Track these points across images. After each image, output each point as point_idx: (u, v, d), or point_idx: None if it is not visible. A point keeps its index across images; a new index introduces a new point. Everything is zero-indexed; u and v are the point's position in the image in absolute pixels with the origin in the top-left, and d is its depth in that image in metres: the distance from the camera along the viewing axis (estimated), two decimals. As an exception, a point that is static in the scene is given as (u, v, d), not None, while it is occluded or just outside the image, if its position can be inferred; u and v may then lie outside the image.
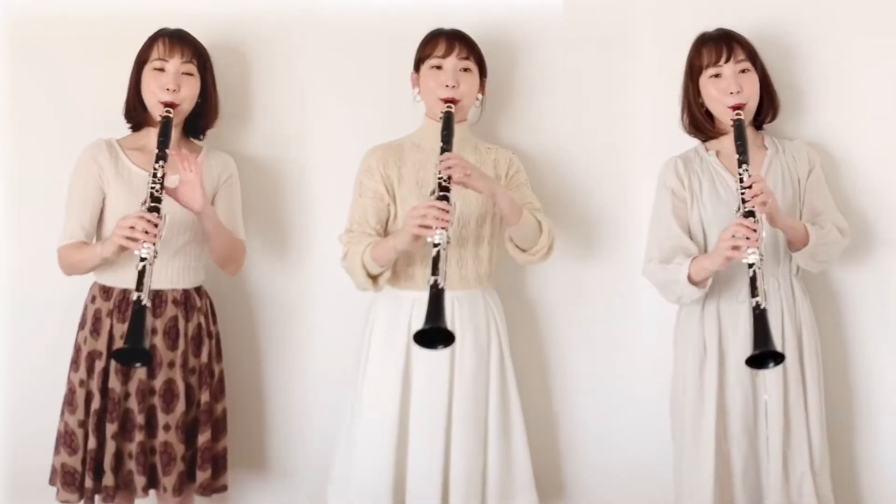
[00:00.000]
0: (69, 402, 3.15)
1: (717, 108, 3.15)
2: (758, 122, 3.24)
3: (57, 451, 3.15)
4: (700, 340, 3.13)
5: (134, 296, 2.83)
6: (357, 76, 3.49)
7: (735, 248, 2.88)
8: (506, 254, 3.19)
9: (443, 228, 2.84)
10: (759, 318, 2.79)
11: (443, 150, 2.95)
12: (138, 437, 3.11)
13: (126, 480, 3.13)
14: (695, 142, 3.28)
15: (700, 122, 3.21)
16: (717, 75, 3.13)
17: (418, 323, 2.99)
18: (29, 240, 3.47)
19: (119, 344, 3.10)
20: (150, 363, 3.01)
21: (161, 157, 2.99)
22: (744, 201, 2.92)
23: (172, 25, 3.24)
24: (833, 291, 3.39)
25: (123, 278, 3.10)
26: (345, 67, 3.49)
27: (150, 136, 3.18)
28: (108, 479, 3.09)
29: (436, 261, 2.80)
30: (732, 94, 3.09)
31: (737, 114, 3.06)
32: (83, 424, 3.12)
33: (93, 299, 3.18)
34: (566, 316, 3.50)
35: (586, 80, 3.47)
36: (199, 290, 3.27)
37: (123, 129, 3.29)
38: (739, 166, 2.97)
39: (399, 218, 3.13)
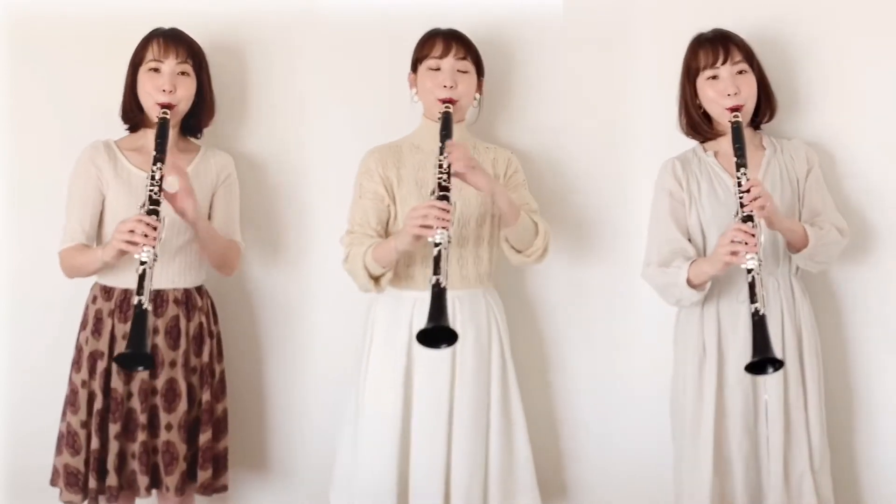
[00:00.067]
0: (71, 402, 3.16)
1: (714, 109, 3.15)
2: (755, 123, 3.24)
3: (59, 452, 3.16)
4: (700, 340, 3.14)
5: (135, 300, 2.83)
6: (357, 76, 3.50)
7: (734, 253, 2.88)
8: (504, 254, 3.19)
9: (443, 228, 2.83)
10: (759, 325, 2.80)
11: (441, 151, 2.94)
12: (141, 436, 3.11)
13: (129, 480, 3.14)
14: (694, 142, 3.27)
15: (697, 123, 3.22)
16: (714, 77, 3.14)
17: (419, 322, 3.00)
18: (29, 240, 3.48)
19: (120, 344, 3.12)
20: (153, 367, 3.01)
21: (159, 159, 3.00)
22: (742, 205, 2.92)
23: (172, 25, 3.24)
24: (833, 291, 3.39)
25: (124, 278, 3.11)
26: (344, 67, 3.50)
27: (148, 136, 3.19)
28: (112, 479, 3.10)
29: (437, 260, 2.80)
30: (730, 96, 3.10)
31: (735, 116, 3.07)
32: (86, 425, 3.13)
33: (94, 299, 3.19)
34: (566, 316, 3.50)
35: (586, 80, 3.47)
36: (199, 289, 3.28)
37: (123, 129, 3.29)
38: (738, 169, 2.97)
39: (399, 218, 3.14)
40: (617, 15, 3.46)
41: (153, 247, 2.89)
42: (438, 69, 3.15)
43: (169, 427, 3.14)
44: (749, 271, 2.86)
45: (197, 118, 3.28)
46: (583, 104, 3.47)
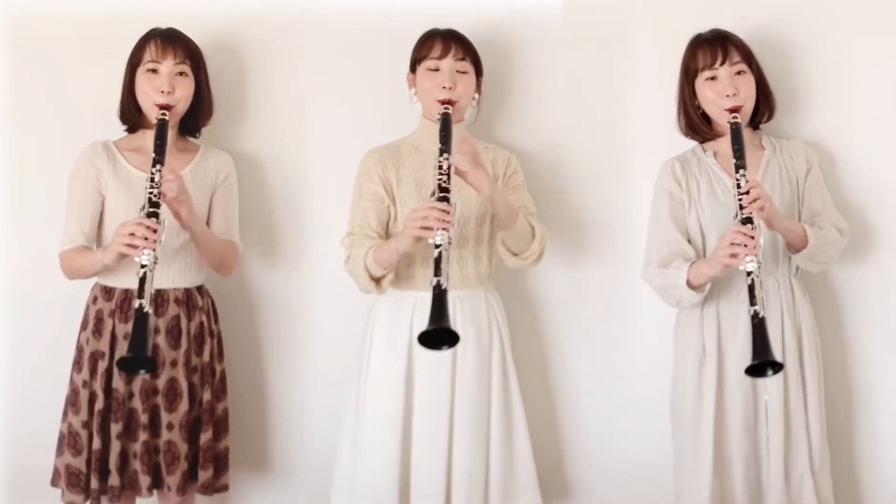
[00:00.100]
0: (72, 403, 3.16)
1: (713, 110, 3.15)
2: (754, 123, 3.24)
3: (60, 453, 3.17)
4: (699, 341, 3.14)
5: (136, 303, 2.84)
6: (357, 76, 3.50)
7: (733, 255, 2.89)
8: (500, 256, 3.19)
9: (444, 229, 2.83)
10: (758, 327, 2.80)
11: (441, 151, 2.94)
12: (142, 436, 3.12)
13: (131, 480, 3.14)
14: (694, 142, 3.27)
15: (696, 124, 3.22)
16: (712, 78, 3.14)
17: (420, 323, 3.01)
18: (29, 240, 3.48)
19: (121, 344, 3.12)
20: (154, 370, 3.01)
21: (158, 161, 3.00)
22: (741, 207, 2.93)
23: (172, 25, 3.24)
24: (833, 291, 3.40)
25: (125, 279, 3.12)
26: (344, 67, 3.50)
27: (147, 137, 3.20)
28: (114, 480, 3.11)
29: (438, 262, 2.80)
30: (729, 97, 3.10)
31: (733, 117, 3.07)
32: (87, 425, 3.14)
33: (94, 300, 3.19)
34: (566, 316, 3.50)
35: (586, 80, 3.47)
36: (200, 288, 3.28)
37: (122, 129, 3.29)
38: (737, 171, 2.98)
39: (399, 219, 3.14)
40: (617, 15, 3.46)
41: (153, 250, 2.90)
42: (437, 70, 3.15)
43: (170, 427, 3.14)
44: (748, 274, 2.86)
45: (195, 118, 3.28)
46: (583, 104, 3.47)
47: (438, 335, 2.76)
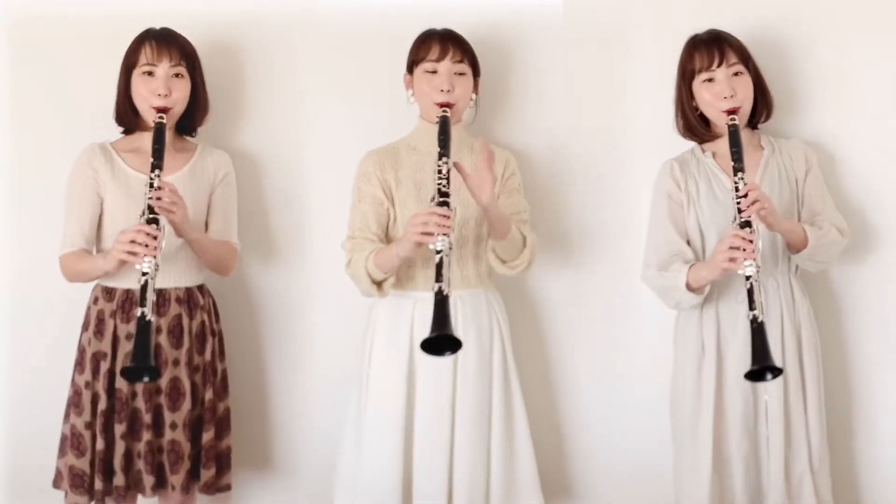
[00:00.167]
0: (75, 404, 3.16)
1: (711, 112, 3.16)
2: (753, 123, 3.24)
3: (62, 454, 3.17)
4: (699, 341, 3.15)
5: (138, 311, 2.85)
6: (356, 76, 3.50)
7: (732, 259, 2.90)
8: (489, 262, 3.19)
9: (444, 235, 2.84)
10: (757, 332, 2.81)
11: (440, 155, 2.94)
12: (146, 436, 3.13)
13: (135, 480, 3.15)
14: (693, 142, 3.27)
15: (694, 125, 3.23)
16: (710, 80, 3.14)
17: (420, 323, 3.03)
18: (29, 240, 3.49)
19: (123, 344, 3.14)
20: (157, 378, 3.02)
21: (157, 166, 3.00)
22: (740, 211, 2.93)
23: (172, 26, 3.24)
24: (832, 291, 3.41)
25: (126, 279, 3.13)
26: (344, 67, 3.51)
27: (144, 138, 3.20)
28: (119, 480, 3.11)
29: (439, 267, 2.81)
30: (726, 99, 3.10)
31: (731, 119, 3.08)
32: (90, 426, 3.14)
33: (95, 300, 3.20)
34: (566, 316, 3.51)
35: (586, 80, 3.48)
36: (201, 288, 3.29)
37: (119, 130, 3.30)
38: (735, 174, 2.98)
39: (398, 221, 3.15)
40: (617, 15, 3.46)
41: (154, 257, 2.90)
42: (435, 72, 3.14)
43: (174, 426, 3.15)
44: (747, 278, 2.87)
45: (192, 118, 3.28)
46: (583, 104, 3.48)
47: (441, 341, 2.76)
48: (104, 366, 3.14)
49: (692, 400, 3.14)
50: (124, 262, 2.97)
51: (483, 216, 3.17)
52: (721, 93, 3.11)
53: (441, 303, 2.75)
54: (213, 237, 3.26)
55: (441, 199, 2.89)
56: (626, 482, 3.48)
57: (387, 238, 3.17)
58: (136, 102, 3.19)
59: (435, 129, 3.07)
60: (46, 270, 3.27)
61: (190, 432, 3.17)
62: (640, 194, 3.32)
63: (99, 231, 3.20)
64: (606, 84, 3.48)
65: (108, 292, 3.18)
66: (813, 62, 3.39)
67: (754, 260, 2.88)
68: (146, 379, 2.88)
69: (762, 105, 3.23)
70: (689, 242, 3.17)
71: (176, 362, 3.17)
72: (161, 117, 3.10)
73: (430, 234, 2.86)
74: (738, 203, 2.94)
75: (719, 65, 3.13)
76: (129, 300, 3.15)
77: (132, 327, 3.06)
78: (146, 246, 2.91)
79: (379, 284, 3.10)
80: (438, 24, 3.24)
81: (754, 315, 2.83)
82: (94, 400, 3.14)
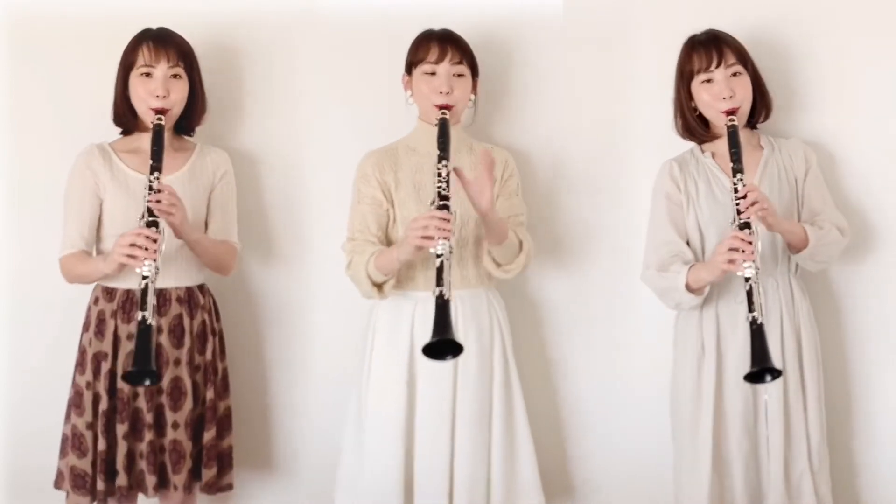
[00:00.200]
0: (76, 404, 3.17)
1: (710, 113, 3.17)
2: (752, 122, 3.24)
3: (64, 455, 3.17)
4: (698, 341, 3.15)
5: (139, 315, 2.85)
6: (356, 76, 3.51)
7: (731, 261, 2.90)
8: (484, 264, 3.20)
9: (445, 238, 2.84)
10: (757, 333, 2.82)
11: (440, 158, 2.94)
12: (148, 436, 3.13)
13: (138, 480, 3.15)
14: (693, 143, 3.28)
15: (693, 126, 3.23)
16: (708, 80, 3.14)
17: (421, 323, 3.05)
18: (29, 240, 3.49)
19: (125, 344, 3.14)
20: (158, 382, 3.02)
21: (156, 168, 3.01)
22: (739, 212, 2.93)
23: (172, 26, 3.24)
24: (832, 291, 3.41)
25: (126, 280, 3.13)
26: (344, 67, 3.51)
27: (143, 139, 3.21)
28: (122, 480, 3.12)
29: (440, 271, 2.81)
30: (725, 100, 3.10)
31: (730, 120, 3.08)
32: (92, 426, 3.14)
33: (95, 301, 3.20)
34: (566, 316, 3.52)
35: (586, 80, 3.48)
36: (201, 287, 3.29)
37: (118, 131, 3.30)
38: (733, 175, 2.98)
39: (398, 222, 3.15)
40: (617, 15, 3.47)
41: (154, 260, 2.90)
42: (434, 73, 3.14)
43: (175, 425, 3.16)
44: (746, 280, 2.87)
45: (190, 118, 3.29)
46: (583, 104, 3.48)
47: (442, 346, 2.76)
48: (105, 366, 3.14)
49: (692, 400, 3.14)
50: (124, 266, 2.98)
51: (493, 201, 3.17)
52: (720, 93, 3.12)
53: (442, 307, 2.76)
54: (212, 237, 3.27)
55: (441, 203, 2.90)
56: (626, 482, 3.49)
57: (386, 239, 3.17)
58: (134, 103, 3.19)
59: (434, 130, 3.07)
60: (46, 270, 3.27)
61: (192, 432, 3.18)
62: (640, 194, 3.33)
63: (98, 232, 3.21)
64: (606, 84, 3.48)
65: (109, 293, 3.18)
66: (813, 62, 3.39)
67: (753, 262, 2.88)
68: (147, 383, 2.88)
69: (761, 105, 3.23)
70: (688, 243, 3.18)
71: (177, 362, 3.18)
72: (159, 119, 3.11)
73: (430, 237, 2.86)
74: (737, 204, 2.95)
75: (717, 65, 3.13)
76: (130, 300, 3.15)
77: (133, 327, 3.07)
78: (146, 249, 2.91)
79: (379, 286, 3.10)
80: (438, 24, 3.24)
81: (753, 317, 2.83)
82: (96, 400, 3.14)
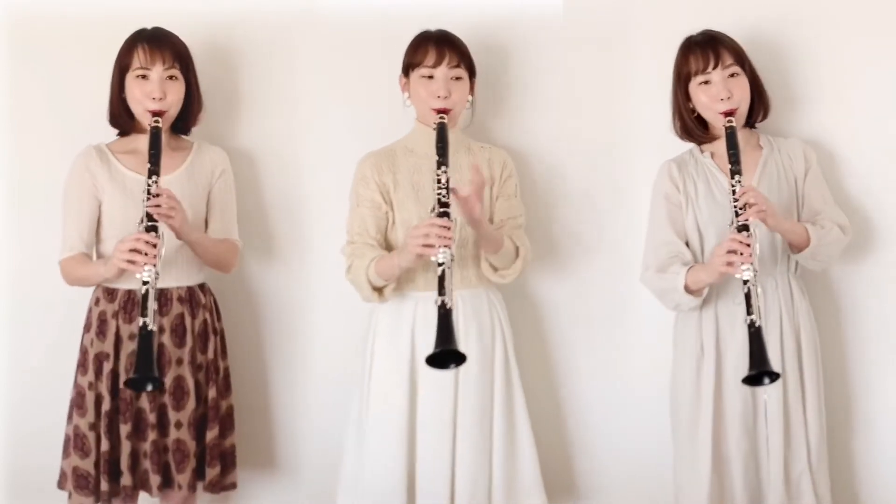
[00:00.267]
0: (78, 405, 3.18)
1: (708, 114, 3.18)
2: (750, 122, 3.25)
3: (66, 455, 3.18)
4: (698, 341, 3.16)
5: (140, 321, 2.86)
6: (356, 76, 3.51)
7: (729, 264, 2.91)
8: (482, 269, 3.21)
9: (446, 246, 2.84)
10: (755, 336, 2.83)
11: (439, 164, 2.95)
12: (151, 435, 3.14)
13: (142, 479, 3.16)
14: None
15: (691, 128, 3.23)
16: (706, 82, 3.14)
17: (422, 323, 3.07)
18: (29, 240, 3.50)
19: (126, 344, 3.15)
20: (160, 387, 3.02)
21: (154, 171, 3.01)
22: (737, 214, 2.93)
23: (172, 26, 3.25)
24: (832, 291, 3.42)
25: (127, 280, 3.13)
26: (344, 67, 3.52)
27: (140, 140, 3.21)
28: (126, 480, 3.13)
29: (441, 280, 2.82)
30: (723, 101, 3.11)
31: (728, 121, 3.08)
32: (94, 427, 3.15)
33: (97, 301, 3.21)
34: (567, 317, 3.52)
35: (586, 80, 3.49)
36: (202, 286, 3.30)
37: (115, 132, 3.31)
38: (732, 176, 2.99)
39: (397, 224, 3.16)
40: (617, 15, 3.47)
41: (154, 265, 2.91)
42: (431, 77, 3.14)
43: (178, 425, 3.17)
44: (745, 282, 2.88)
45: (186, 119, 3.29)
46: (582, 105, 3.49)
47: (445, 355, 2.77)
48: (107, 366, 3.15)
49: (691, 400, 3.15)
50: (124, 271, 2.99)
51: (485, 216, 3.17)
52: (717, 95, 3.12)
53: (445, 316, 2.77)
54: (213, 235, 3.28)
55: (441, 210, 2.90)
56: (626, 482, 3.50)
57: (385, 241, 3.18)
58: (130, 105, 3.20)
59: (431, 132, 3.07)
60: (46, 270, 3.28)
61: (195, 431, 3.19)
62: (640, 194, 3.33)
63: (98, 233, 3.22)
64: (606, 84, 3.49)
65: (110, 293, 3.19)
66: (812, 62, 3.40)
67: (752, 264, 2.89)
68: (149, 388, 2.89)
69: (759, 104, 3.24)
70: (687, 243, 3.18)
71: (179, 361, 3.19)
72: (157, 121, 3.11)
73: (431, 245, 2.86)
74: (735, 206, 2.95)
75: (714, 67, 3.13)
76: (131, 300, 3.16)
77: (135, 328, 3.08)
78: (146, 254, 2.92)
79: (380, 291, 3.11)
80: (438, 25, 3.25)
81: (752, 320, 2.84)
82: (98, 401, 3.15)
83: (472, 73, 3.23)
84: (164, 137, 3.14)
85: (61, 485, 3.18)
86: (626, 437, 3.49)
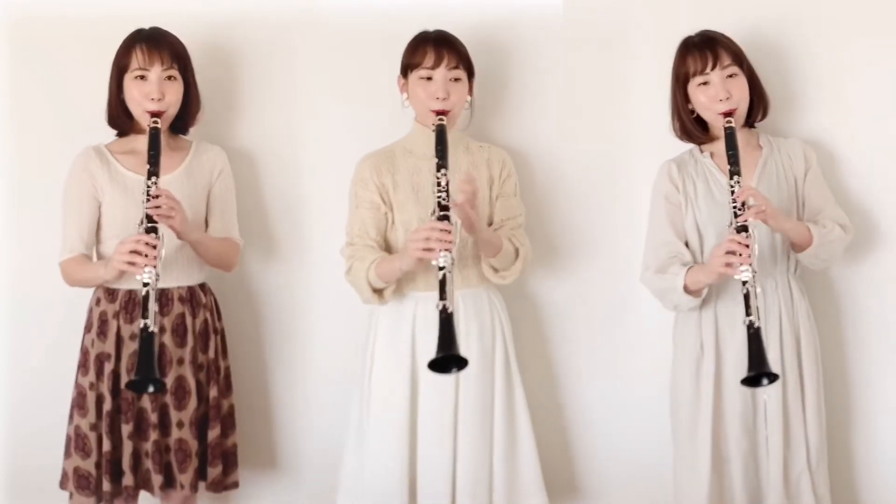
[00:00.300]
0: (79, 405, 3.18)
1: (707, 115, 3.18)
2: (750, 122, 3.25)
3: (68, 455, 3.19)
4: (697, 341, 3.17)
5: (140, 323, 2.87)
6: (356, 76, 3.51)
7: (728, 265, 2.91)
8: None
9: (446, 250, 2.84)
10: (754, 338, 2.83)
11: (438, 167, 2.96)
12: (153, 435, 3.15)
13: (144, 479, 3.17)
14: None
15: (690, 128, 3.23)
16: (704, 83, 3.14)
17: (423, 322, 3.08)
18: (29, 240, 3.51)
19: (128, 344, 3.16)
20: (161, 389, 3.02)
21: (153, 173, 3.02)
22: (736, 215, 2.94)
23: (173, 26, 3.25)
24: (832, 291, 3.43)
25: (128, 280, 3.13)
26: (344, 67, 3.52)
27: (139, 140, 3.21)
28: (129, 479, 3.14)
29: (442, 284, 2.82)
30: (722, 101, 3.11)
31: (727, 121, 3.08)
32: (95, 427, 3.16)
33: (97, 302, 3.22)
34: (567, 317, 3.53)
35: (586, 80, 3.49)
36: (203, 286, 3.31)
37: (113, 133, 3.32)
38: (731, 177, 2.99)
39: (397, 225, 3.17)
40: (617, 15, 3.47)
41: (154, 266, 2.91)
42: (430, 78, 3.14)
43: (180, 424, 3.17)
44: (744, 283, 2.88)
45: (184, 119, 3.29)
46: (582, 105, 3.49)
47: (446, 360, 2.77)
48: (108, 367, 3.16)
49: (691, 400, 3.16)
50: (124, 272, 3.00)
51: (484, 216, 3.18)
52: (716, 95, 3.13)
53: (446, 321, 2.77)
54: (213, 234, 3.28)
55: (441, 214, 2.90)
56: (626, 482, 3.50)
57: (385, 242, 3.18)
58: (129, 106, 3.20)
59: (430, 133, 3.08)
60: (46, 270, 3.29)
61: (197, 430, 3.20)
62: (641, 194, 3.34)
63: (98, 234, 3.23)
64: (606, 84, 3.49)
65: (110, 293, 3.19)
66: (812, 62, 3.40)
67: (750, 265, 2.89)
68: (151, 390, 2.90)
69: (758, 104, 3.24)
70: (687, 244, 3.19)
71: (180, 361, 3.19)
72: (156, 122, 3.11)
73: (431, 249, 2.86)
74: (734, 207, 2.95)
75: (713, 67, 3.14)
76: (132, 301, 3.17)
77: (135, 328, 3.09)
78: (146, 256, 2.93)
79: (380, 292, 3.12)
80: (439, 25, 3.25)
81: (750, 321, 2.85)
82: (99, 401, 3.16)
83: (470, 74, 3.23)
84: (163, 137, 3.15)
85: (63, 485, 3.19)
86: (626, 436, 3.50)
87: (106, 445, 3.12)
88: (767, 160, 3.23)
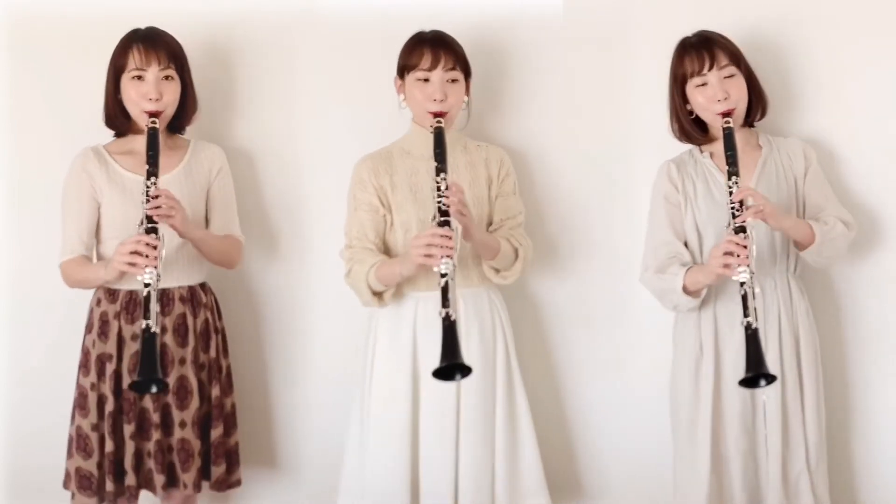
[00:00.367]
0: (81, 406, 3.20)
1: (706, 115, 3.19)
2: (749, 121, 3.25)
3: (70, 455, 3.21)
4: (697, 340, 3.18)
5: (142, 324, 2.87)
6: (356, 76, 3.52)
7: (726, 266, 2.92)
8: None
9: (448, 256, 2.85)
10: (752, 339, 2.84)
11: (438, 170, 2.97)
12: (155, 435, 3.17)
13: (146, 479, 3.18)
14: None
15: (688, 129, 3.24)
16: (702, 84, 3.14)
17: (423, 322, 3.10)
18: (29, 240, 3.52)
19: (129, 345, 3.17)
20: (164, 389, 3.03)
21: (152, 173, 3.03)
22: (734, 216, 2.94)
23: (172, 26, 3.26)
24: (832, 291, 3.43)
25: (128, 280, 3.15)
26: (344, 67, 3.53)
27: (137, 140, 3.23)
28: (131, 479, 3.15)
29: (445, 291, 2.83)
30: (720, 102, 3.12)
31: (726, 122, 3.09)
32: (97, 427, 3.18)
33: (98, 302, 3.23)
34: (567, 317, 3.54)
35: (586, 80, 3.50)
36: (203, 286, 3.32)
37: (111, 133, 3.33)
38: (729, 178, 2.99)
39: (396, 226, 3.18)
40: (617, 15, 3.48)
41: (155, 266, 2.92)
42: (427, 80, 3.15)
43: (182, 424, 3.19)
44: (741, 284, 2.89)
45: (182, 118, 3.30)
46: (582, 105, 3.50)
47: (450, 368, 2.78)
48: (110, 367, 3.17)
49: (690, 400, 3.17)
50: (125, 273, 3.01)
51: (482, 216, 3.19)
52: (714, 96, 3.13)
53: (449, 329, 2.78)
54: (215, 232, 3.29)
55: (442, 219, 2.91)
56: (626, 481, 3.52)
57: (384, 244, 3.19)
58: (127, 106, 3.21)
59: (428, 134, 3.09)
60: (46, 270, 3.30)
61: (199, 430, 3.21)
62: (641, 194, 3.34)
63: (98, 234, 3.24)
64: (606, 84, 3.50)
65: (111, 294, 3.20)
66: (812, 62, 3.41)
67: (748, 266, 2.90)
68: (154, 390, 2.91)
69: (757, 103, 3.25)
70: (686, 244, 3.19)
71: (182, 361, 3.21)
72: (154, 122, 3.12)
73: (432, 255, 2.87)
74: (732, 208, 2.96)
75: (710, 68, 3.14)
76: (133, 301, 3.18)
77: (137, 328, 3.10)
78: (146, 256, 2.94)
79: (379, 295, 3.13)
80: (438, 25, 3.26)
81: (748, 322, 2.85)
82: (101, 401, 3.17)
83: (467, 74, 3.24)
84: (161, 137, 3.15)
85: (66, 485, 3.21)
86: (626, 436, 3.51)
87: (108, 446, 3.14)
88: (767, 160, 3.23)
